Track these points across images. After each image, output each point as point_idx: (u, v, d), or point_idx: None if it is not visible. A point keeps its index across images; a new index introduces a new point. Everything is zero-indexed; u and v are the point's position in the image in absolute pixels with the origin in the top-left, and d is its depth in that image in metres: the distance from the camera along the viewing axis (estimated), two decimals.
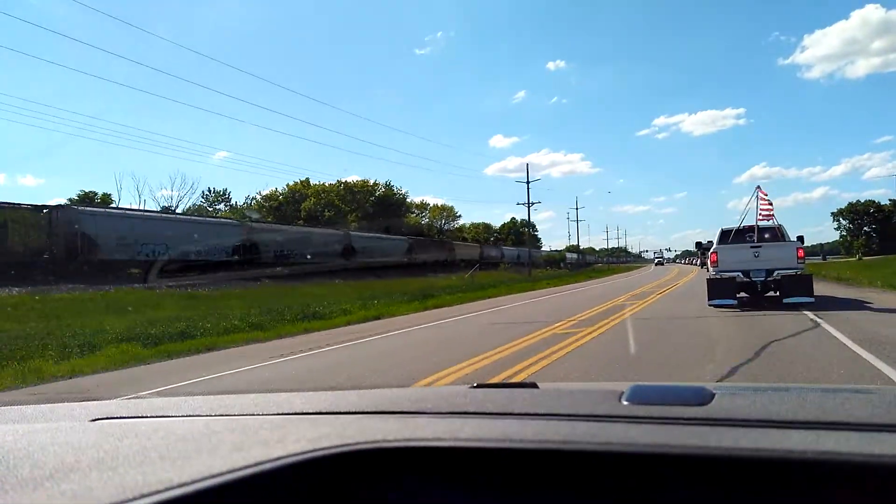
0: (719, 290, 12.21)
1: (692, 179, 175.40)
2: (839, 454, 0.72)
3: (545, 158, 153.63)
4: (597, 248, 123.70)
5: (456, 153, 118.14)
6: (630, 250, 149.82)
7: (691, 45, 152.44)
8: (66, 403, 1.36)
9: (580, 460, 0.79)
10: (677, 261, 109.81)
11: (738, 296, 12.21)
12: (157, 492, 0.67)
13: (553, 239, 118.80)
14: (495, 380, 5.26)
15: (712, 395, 0.98)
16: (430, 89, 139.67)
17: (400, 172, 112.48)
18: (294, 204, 47.51)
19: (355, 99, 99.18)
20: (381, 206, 56.32)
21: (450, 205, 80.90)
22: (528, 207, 46.58)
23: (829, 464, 0.71)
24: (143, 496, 0.66)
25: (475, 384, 1.22)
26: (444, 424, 0.92)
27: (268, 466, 0.75)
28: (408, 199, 63.03)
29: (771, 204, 13.07)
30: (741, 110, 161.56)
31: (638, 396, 1.00)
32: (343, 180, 55.22)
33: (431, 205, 76.41)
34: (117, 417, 1.15)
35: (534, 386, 1.19)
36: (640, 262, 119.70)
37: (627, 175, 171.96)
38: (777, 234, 13.41)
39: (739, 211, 13.09)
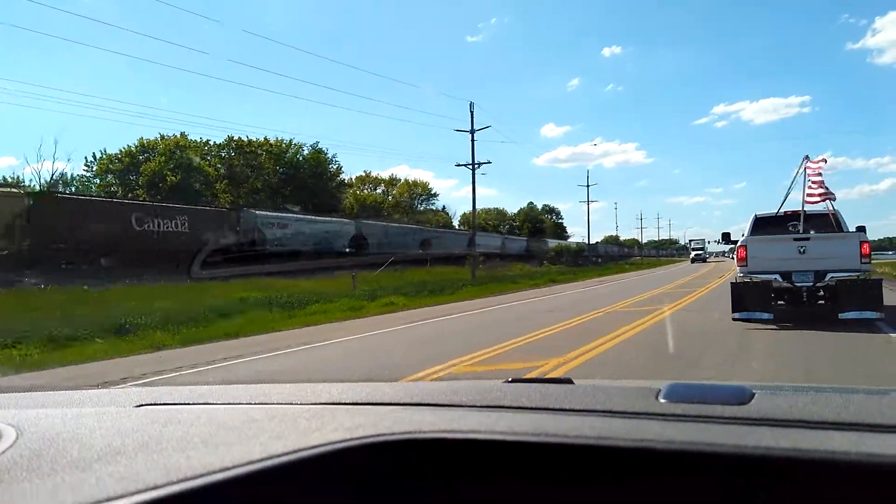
0: (748, 297, 11.02)
1: (752, 170, 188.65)
2: (883, 456, 0.83)
3: (598, 148, 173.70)
4: (644, 240, 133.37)
5: (505, 141, 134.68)
6: (680, 242, 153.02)
7: (754, 30, 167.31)
8: (111, 389, 1.79)
9: (616, 456, 0.92)
10: (728, 255, 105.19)
11: (776, 304, 11.06)
12: (200, 475, 0.81)
13: (603, 231, 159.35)
14: None
15: (752, 395, 1.12)
16: (480, 77, 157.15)
17: (442, 161, 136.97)
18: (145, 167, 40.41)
19: (400, 83, 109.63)
20: (299, 174, 48.89)
21: (424, 180, 76.70)
22: (473, 171, 37.10)
23: (873, 466, 0.82)
24: (186, 479, 0.80)
25: (510, 378, 1.41)
26: (480, 417, 1.08)
27: (305, 454, 0.91)
28: (342, 172, 56.21)
29: (822, 185, 11.27)
30: (806, 98, 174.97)
31: (675, 394, 1.14)
32: (235, 137, 48.11)
33: (402, 179, 70.04)
34: (161, 404, 1.37)
35: (569, 382, 1.38)
36: (683, 256, 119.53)
37: (683, 165, 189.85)
38: (831, 222, 12.09)
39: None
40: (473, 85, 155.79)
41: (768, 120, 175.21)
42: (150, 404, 1.35)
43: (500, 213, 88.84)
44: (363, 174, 68.91)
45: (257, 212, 30.12)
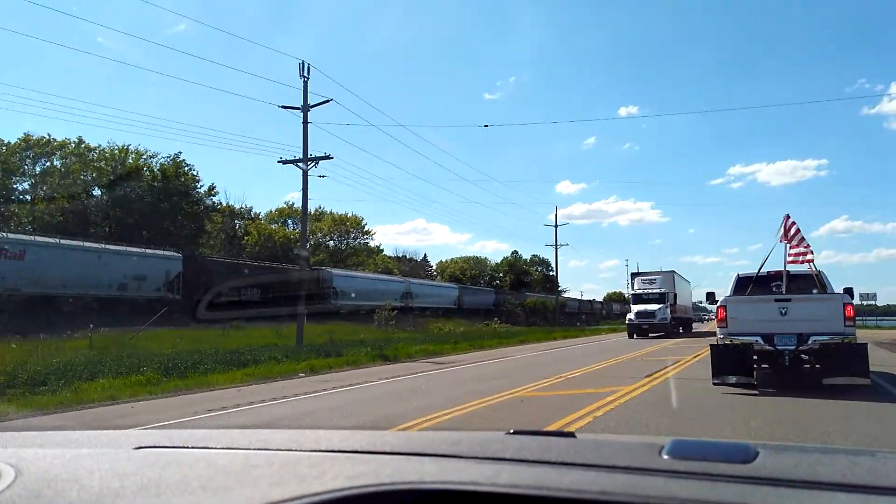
0: (728, 361, 12.20)
1: (767, 231, 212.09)
2: None
3: (613, 206, 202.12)
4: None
5: (517, 198, 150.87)
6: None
7: (771, 93, 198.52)
8: (110, 431, 1.90)
9: None
10: None
11: (759, 368, 12.47)
12: None
13: (616, 288, 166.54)
14: None
15: (756, 453, 1.28)
16: (496, 134, 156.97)
17: (454, 216, 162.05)
18: None
19: (418, 143, 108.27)
20: (132, 194, 43.74)
21: (359, 216, 74.28)
22: (305, 171, 29.26)
23: None
24: None
25: (512, 430, 1.61)
26: (481, 469, 1.23)
27: (306, 501, 1.05)
28: (216, 192, 54.32)
29: (805, 244, 12.67)
30: (823, 161, 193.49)
31: (679, 451, 1.29)
32: (31, 136, 44.70)
33: (331, 213, 69.58)
34: (160, 446, 1.56)
35: (571, 435, 1.56)
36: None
37: (698, 224, 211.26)
38: (815, 283, 13.68)
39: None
40: (490, 141, 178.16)
41: (785, 182, 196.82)
42: (150, 447, 1.53)
43: (479, 262, 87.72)
44: (285, 205, 66.57)
45: None
